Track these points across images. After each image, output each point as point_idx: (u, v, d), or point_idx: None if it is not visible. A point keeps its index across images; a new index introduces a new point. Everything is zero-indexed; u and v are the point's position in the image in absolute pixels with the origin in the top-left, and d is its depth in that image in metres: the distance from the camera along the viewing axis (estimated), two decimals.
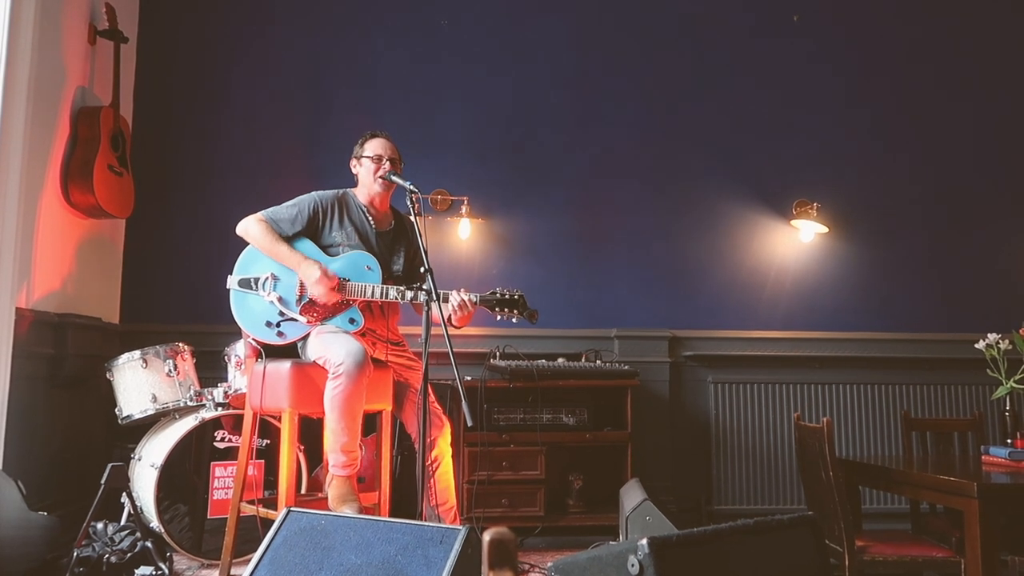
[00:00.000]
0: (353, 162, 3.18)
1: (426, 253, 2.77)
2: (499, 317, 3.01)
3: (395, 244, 3.17)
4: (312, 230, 3.06)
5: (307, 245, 3.03)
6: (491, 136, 4.46)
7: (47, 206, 3.46)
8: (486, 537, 1.04)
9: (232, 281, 2.99)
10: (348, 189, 3.19)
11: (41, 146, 3.41)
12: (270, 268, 2.99)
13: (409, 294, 2.93)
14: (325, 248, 3.04)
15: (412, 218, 2.89)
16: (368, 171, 3.11)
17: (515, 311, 3.01)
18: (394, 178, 3.05)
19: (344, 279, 2.97)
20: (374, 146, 3.13)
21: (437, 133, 4.40)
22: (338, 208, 3.10)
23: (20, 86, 3.19)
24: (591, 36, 4.57)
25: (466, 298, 2.94)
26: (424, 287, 2.76)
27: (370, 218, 3.13)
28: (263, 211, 3.05)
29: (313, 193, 3.11)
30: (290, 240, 3.01)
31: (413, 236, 3.22)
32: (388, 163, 3.09)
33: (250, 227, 3.02)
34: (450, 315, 2.93)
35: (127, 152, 3.88)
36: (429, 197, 4.32)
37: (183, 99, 4.32)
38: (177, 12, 4.35)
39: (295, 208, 3.06)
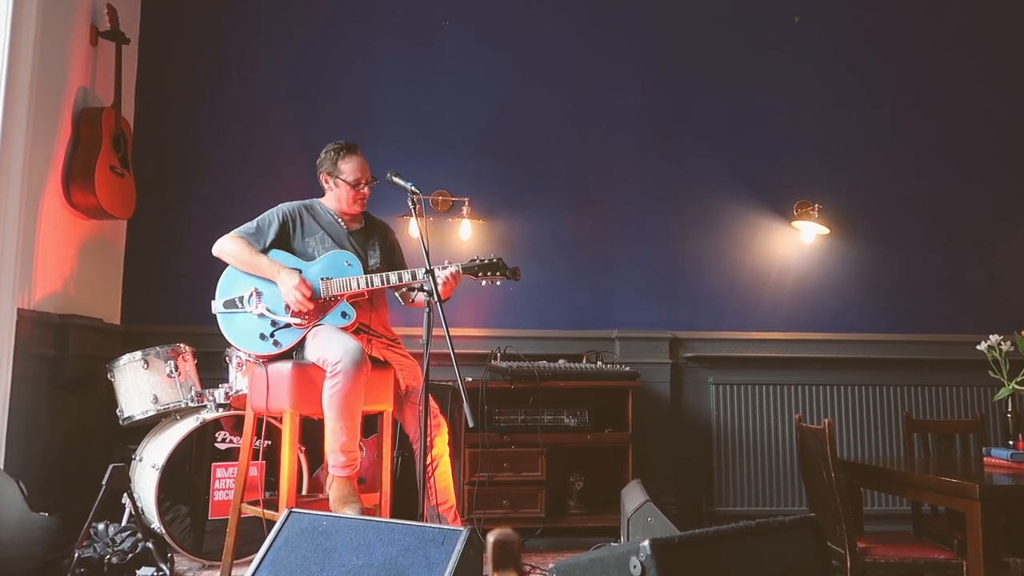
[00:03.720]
0: (324, 177, 3.15)
1: (428, 254, 2.78)
2: (484, 283, 3.08)
3: (368, 240, 3.20)
4: (284, 239, 3.08)
5: (284, 256, 3.04)
6: (492, 137, 4.46)
7: (49, 207, 3.46)
8: (490, 538, 1.04)
9: (217, 305, 3.00)
10: (315, 199, 3.20)
11: (43, 147, 3.41)
12: (252, 284, 3.01)
13: (393, 277, 2.97)
14: (301, 256, 3.06)
15: (413, 220, 2.90)
16: (346, 195, 3.11)
17: (497, 273, 3.05)
18: (396, 179, 3.05)
19: (327, 278, 2.99)
20: (352, 169, 3.10)
21: (438, 134, 4.40)
22: (306, 216, 3.13)
23: (22, 87, 3.19)
24: (592, 37, 4.57)
25: (450, 271, 2.98)
26: (425, 288, 2.77)
27: (340, 221, 3.16)
28: (234, 231, 3.07)
29: (279, 205, 3.15)
30: (265, 253, 3.03)
31: (385, 232, 3.27)
32: (367, 188, 3.10)
33: (225, 245, 3.03)
34: (436, 286, 2.95)
35: (129, 153, 3.88)
36: (430, 198, 4.32)
37: (184, 100, 4.32)
38: (178, 13, 4.36)
39: (265, 221, 3.09)
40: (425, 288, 2.77)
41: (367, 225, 3.24)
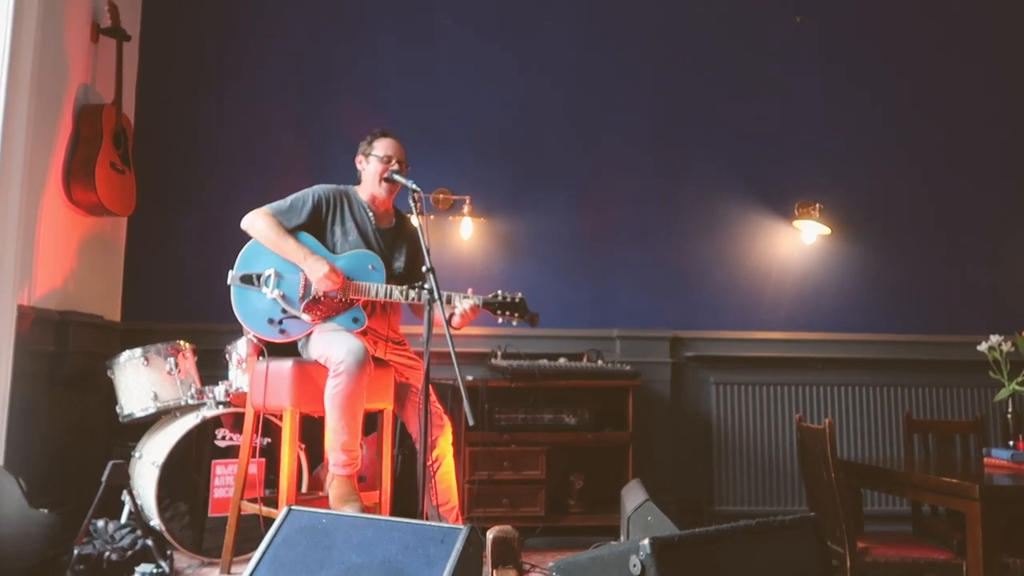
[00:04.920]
0: (360, 158, 3.16)
1: (428, 252, 2.77)
2: (500, 320, 3.01)
3: (396, 242, 3.17)
4: (314, 223, 3.05)
5: (310, 240, 3.02)
6: (494, 135, 4.46)
7: (49, 204, 3.46)
8: (490, 535, 1.04)
9: (233, 276, 2.97)
10: (350, 186, 3.18)
11: (43, 144, 3.41)
12: (273, 264, 2.98)
13: (412, 294, 2.93)
14: (322, 243, 3.04)
15: (414, 218, 2.89)
16: (375, 171, 3.10)
17: (516, 314, 3.00)
18: (396, 177, 3.04)
19: (348, 278, 2.96)
20: (384, 146, 3.11)
21: (439, 132, 4.40)
22: (340, 203, 3.09)
23: (23, 84, 3.18)
24: (594, 36, 4.56)
25: (472, 303, 2.93)
26: (426, 286, 2.75)
27: (371, 215, 3.12)
28: (266, 206, 3.05)
29: (315, 187, 3.11)
30: (292, 234, 3.00)
31: (414, 235, 3.22)
32: (396, 165, 3.09)
33: (256, 221, 3.01)
34: (451, 315, 2.93)
35: (129, 150, 3.88)
36: (431, 196, 4.32)
37: (185, 97, 4.32)
38: (180, 10, 4.35)
39: (299, 201, 3.05)
40: (426, 286, 2.76)
41: (397, 225, 3.21)
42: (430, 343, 2.64)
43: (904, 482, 2.90)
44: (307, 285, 2.95)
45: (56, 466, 3.51)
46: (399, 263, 3.13)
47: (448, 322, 2.84)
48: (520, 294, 3.03)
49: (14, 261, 3.13)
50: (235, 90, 4.35)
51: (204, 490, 3.26)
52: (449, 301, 2.93)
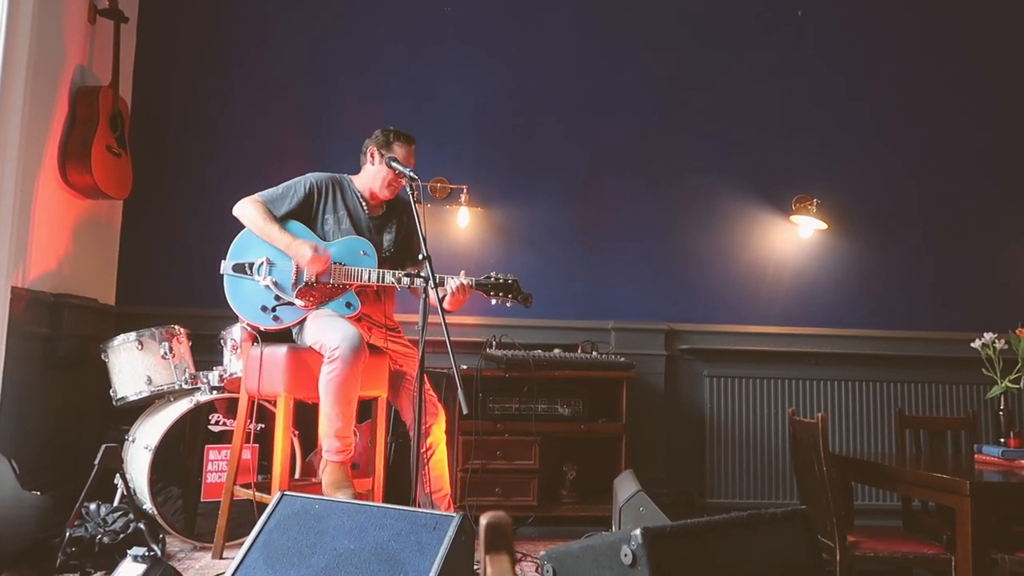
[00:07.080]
0: (373, 150, 3.10)
1: (425, 240, 2.76)
2: (494, 301, 3.02)
3: (385, 223, 3.17)
4: (305, 211, 3.05)
5: (297, 227, 3.02)
6: (492, 125, 4.44)
7: (44, 186, 3.44)
8: (483, 521, 1.04)
9: (226, 266, 2.98)
10: (344, 175, 3.17)
11: (39, 125, 3.38)
12: (265, 252, 2.98)
13: (406, 280, 2.93)
14: (314, 231, 3.04)
15: (410, 200, 2.86)
16: (385, 177, 3.06)
17: (509, 295, 3.01)
18: (394, 164, 3.03)
19: (339, 263, 2.97)
20: (404, 156, 3.06)
21: (437, 121, 4.38)
22: (332, 191, 3.09)
23: (19, 64, 3.16)
24: (594, 28, 4.55)
25: (463, 282, 2.94)
26: (422, 274, 2.75)
27: (363, 203, 3.12)
28: (258, 193, 3.05)
29: (308, 175, 3.11)
30: (281, 222, 3.00)
31: (406, 217, 3.21)
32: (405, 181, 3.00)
33: (245, 208, 3.02)
34: (444, 296, 2.92)
35: (126, 133, 3.85)
36: (428, 185, 4.31)
37: (183, 80, 4.29)
38: None
39: (290, 189, 3.06)
40: (422, 275, 2.76)
41: (388, 209, 3.21)
42: (426, 331, 2.64)
43: (895, 477, 2.91)
44: (299, 272, 2.96)
45: (49, 449, 3.51)
46: (388, 240, 3.13)
47: (441, 303, 2.83)
48: (513, 276, 3.03)
49: (8, 243, 3.11)
50: (233, 74, 4.33)
51: (197, 475, 3.27)
52: (442, 283, 2.93)
